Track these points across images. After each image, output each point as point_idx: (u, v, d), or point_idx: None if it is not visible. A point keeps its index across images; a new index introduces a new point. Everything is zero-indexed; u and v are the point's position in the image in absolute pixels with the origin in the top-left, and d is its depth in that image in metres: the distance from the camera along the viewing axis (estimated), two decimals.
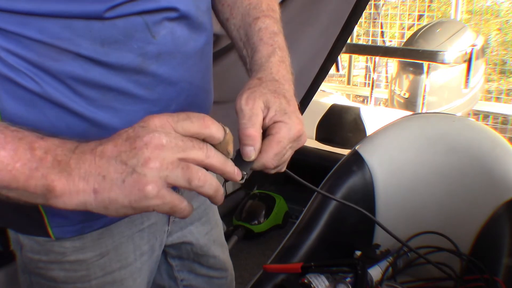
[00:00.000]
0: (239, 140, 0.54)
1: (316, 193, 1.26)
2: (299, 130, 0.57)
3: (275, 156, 0.55)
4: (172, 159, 0.44)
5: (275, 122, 0.56)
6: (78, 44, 0.54)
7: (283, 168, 0.61)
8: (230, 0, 0.73)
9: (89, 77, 0.56)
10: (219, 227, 0.97)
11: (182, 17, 0.61)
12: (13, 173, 0.44)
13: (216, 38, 1.54)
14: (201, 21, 0.65)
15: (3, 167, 0.44)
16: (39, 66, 0.54)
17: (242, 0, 0.71)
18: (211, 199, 0.48)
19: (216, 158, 0.47)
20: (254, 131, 0.53)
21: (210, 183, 0.46)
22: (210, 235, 0.91)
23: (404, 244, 1.00)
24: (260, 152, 0.54)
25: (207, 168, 0.47)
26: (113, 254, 0.71)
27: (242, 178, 0.53)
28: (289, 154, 0.58)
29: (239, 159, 0.53)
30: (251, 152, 0.53)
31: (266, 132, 0.56)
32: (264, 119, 0.55)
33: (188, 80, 0.65)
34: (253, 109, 0.54)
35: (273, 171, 0.59)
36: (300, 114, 0.59)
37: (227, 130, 0.49)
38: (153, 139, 0.43)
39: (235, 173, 0.50)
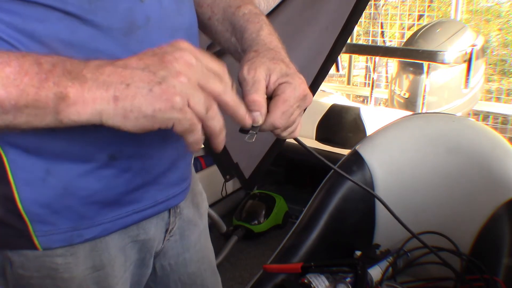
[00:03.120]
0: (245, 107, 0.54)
1: (316, 192, 1.26)
2: (304, 89, 0.57)
3: (282, 114, 0.55)
4: (198, 81, 0.45)
5: (279, 84, 0.56)
6: (64, 1, 0.50)
7: (296, 132, 0.61)
8: (209, 0, 0.72)
9: (76, 39, 0.52)
10: (212, 253, 0.88)
11: None
12: (21, 87, 0.42)
13: None
14: None
15: (10, 82, 0.42)
16: (23, 31, 0.50)
17: None
18: (214, 137, 0.48)
19: (232, 97, 0.48)
20: (257, 96, 0.54)
21: (219, 120, 0.47)
22: (202, 263, 0.83)
23: (414, 234, 1.00)
24: (268, 113, 0.55)
25: (221, 104, 0.47)
26: (109, 269, 0.64)
27: (252, 137, 0.54)
28: (297, 113, 0.58)
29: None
30: (257, 117, 0.54)
31: (272, 95, 0.57)
32: (267, 85, 0.56)
33: None
34: (255, 77, 0.55)
35: (285, 135, 0.59)
36: (301, 75, 0.59)
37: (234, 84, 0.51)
38: (185, 56, 0.44)
39: (246, 117, 0.51)
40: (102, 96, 0.43)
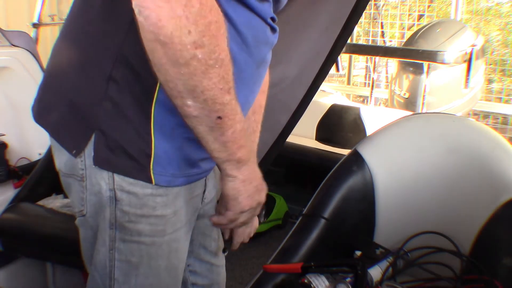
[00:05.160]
0: None
1: (316, 192, 1.26)
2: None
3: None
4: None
5: None
6: (268, 17, 0.76)
7: None
8: None
9: (265, 40, 0.78)
10: None
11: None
12: (235, 140, 0.72)
13: None
14: None
15: (236, 134, 0.71)
16: (241, 33, 0.71)
17: None
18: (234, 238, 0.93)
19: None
20: None
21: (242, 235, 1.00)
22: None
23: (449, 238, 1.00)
24: None
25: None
26: (179, 213, 0.83)
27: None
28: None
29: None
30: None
31: None
32: None
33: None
34: None
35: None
36: None
37: None
38: (262, 201, 0.87)
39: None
40: (242, 176, 0.79)
